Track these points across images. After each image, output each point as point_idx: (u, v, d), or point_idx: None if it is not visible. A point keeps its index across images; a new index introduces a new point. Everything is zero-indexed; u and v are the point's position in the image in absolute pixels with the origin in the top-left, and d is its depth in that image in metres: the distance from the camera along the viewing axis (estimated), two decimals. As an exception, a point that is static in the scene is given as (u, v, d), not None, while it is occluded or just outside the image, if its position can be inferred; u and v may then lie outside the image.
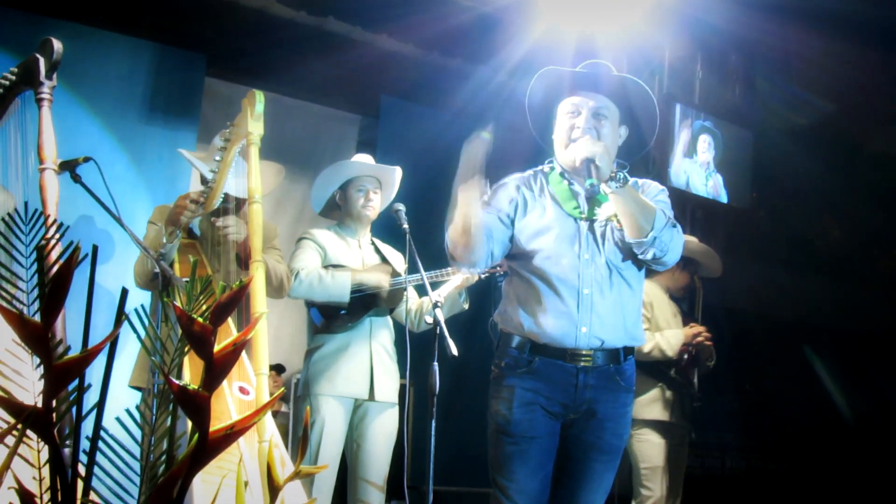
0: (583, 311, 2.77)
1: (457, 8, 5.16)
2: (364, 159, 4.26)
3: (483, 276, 4.17)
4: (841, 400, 6.62)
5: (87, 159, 2.92)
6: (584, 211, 2.87)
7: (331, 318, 3.99)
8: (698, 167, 6.22)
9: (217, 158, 3.23)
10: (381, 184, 4.22)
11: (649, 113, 2.95)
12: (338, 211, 4.26)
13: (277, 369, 6.27)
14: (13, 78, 2.86)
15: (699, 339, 4.71)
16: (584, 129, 2.80)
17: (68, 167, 2.92)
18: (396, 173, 4.25)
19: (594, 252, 2.81)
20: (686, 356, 4.67)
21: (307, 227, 4.67)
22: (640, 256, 2.78)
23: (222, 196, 3.37)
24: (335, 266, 4.03)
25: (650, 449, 4.63)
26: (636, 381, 2.93)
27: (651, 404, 4.64)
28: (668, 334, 4.66)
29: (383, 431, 4.00)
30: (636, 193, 2.76)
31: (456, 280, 4.12)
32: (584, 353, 2.77)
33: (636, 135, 2.96)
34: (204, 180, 3.84)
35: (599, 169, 2.64)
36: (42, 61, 2.78)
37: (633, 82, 2.94)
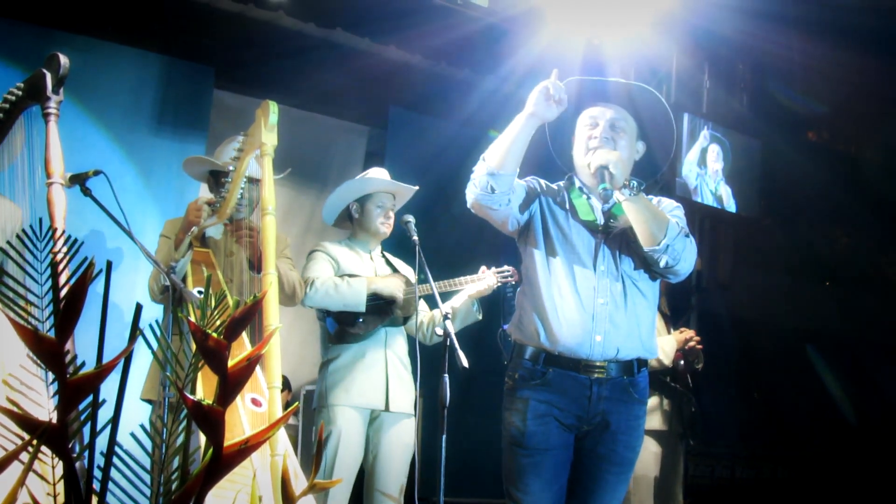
0: (598, 321, 2.78)
1: (464, 18, 5.15)
2: (381, 174, 4.20)
3: (496, 285, 4.16)
4: (849, 408, 6.60)
5: (97, 172, 2.92)
6: (602, 224, 2.89)
7: (346, 328, 3.96)
8: (707, 177, 6.21)
9: (231, 168, 3.24)
10: (395, 201, 4.20)
11: (666, 131, 2.98)
12: (349, 222, 4.22)
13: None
14: (19, 93, 2.86)
15: (691, 343, 4.68)
16: (602, 138, 2.85)
17: (78, 180, 2.92)
18: (411, 192, 4.23)
19: (610, 264, 2.84)
20: (682, 363, 4.63)
21: (316, 237, 4.66)
22: (653, 266, 2.80)
23: (236, 206, 3.38)
24: (349, 276, 4.01)
25: (644, 457, 4.52)
26: None
27: (649, 414, 4.57)
28: (661, 342, 4.57)
29: (400, 442, 3.95)
30: (648, 202, 2.79)
31: (469, 289, 4.11)
32: (598, 364, 2.79)
33: (651, 158, 2.99)
34: (213, 188, 3.87)
35: (613, 176, 2.68)
36: (49, 76, 2.78)
37: (652, 98, 2.97)
